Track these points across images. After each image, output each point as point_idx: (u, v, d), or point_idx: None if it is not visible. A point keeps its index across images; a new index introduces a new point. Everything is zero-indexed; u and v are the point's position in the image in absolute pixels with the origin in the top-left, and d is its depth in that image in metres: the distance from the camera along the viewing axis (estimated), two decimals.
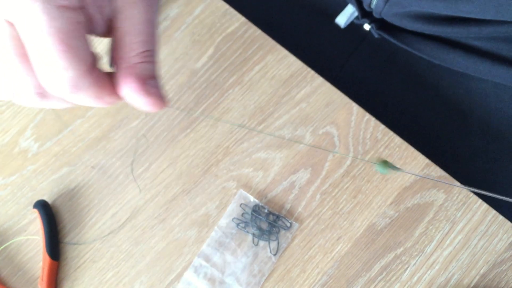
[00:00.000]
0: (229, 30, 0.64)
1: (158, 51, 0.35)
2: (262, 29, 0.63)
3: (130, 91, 0.32)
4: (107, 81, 0.32)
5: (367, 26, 0.66)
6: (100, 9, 0.32)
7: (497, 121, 0.66)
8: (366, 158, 0.57)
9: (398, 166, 0.57)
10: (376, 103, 0.63)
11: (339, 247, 0.56)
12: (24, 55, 0.29)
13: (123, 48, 0.32)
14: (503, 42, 0.59)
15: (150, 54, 0.33)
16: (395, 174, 0.57)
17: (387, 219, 0.56)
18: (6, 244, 0.57)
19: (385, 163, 0.35)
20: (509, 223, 0.55)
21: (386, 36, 0.65)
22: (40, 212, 0.57)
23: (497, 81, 0.64)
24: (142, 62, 0.33)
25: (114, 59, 0.33)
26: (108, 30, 0.33)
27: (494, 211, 0.56)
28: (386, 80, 0.71)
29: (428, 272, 0.55)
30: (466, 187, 0.33)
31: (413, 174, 0.56)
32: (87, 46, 0.30)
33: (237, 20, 0.63)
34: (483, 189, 0.57)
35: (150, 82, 0.33)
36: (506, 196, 0.64)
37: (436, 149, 0.61)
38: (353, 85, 0.67)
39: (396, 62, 0.70)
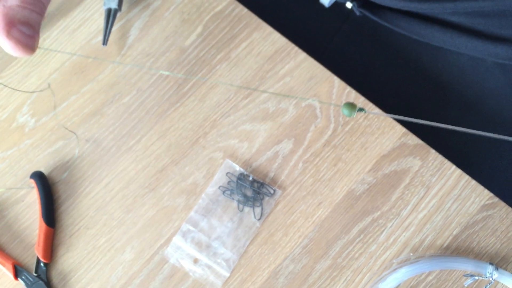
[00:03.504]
0: (217, 9, 0.66)
1: (46, 3, 0.35)
2: (248, 8, 0.66)
3: None
4: None
5: (349, 4, 0.68)
6: None
7: (474, 93, 0.69)
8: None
9: (376, 134, 0.60)
10: (359, 78, 0.65)
11: (319, 212, 0.59)
12: None
13: None
14: (478, 17, 0.61)
15: (34, 2, 0.33)
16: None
17: (366, 185, 0.59)
18: None
19: (351, 105, 0.37)
20: (481, 187, 0.58)
21: (367, 13, 0.68)
22: (36, 182, 0.60)
23: (473, 55, 0.66)
24: (21, 6, 0.33)
25: None
26: None
27: (467, 176, 0.58)
28: (368, 56, 0.73)
29: (404, 234, 0.57)
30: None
31: (377, 114, 0.57)
32: None
33: None
34: (458, 160, 0.59)
35: (21, 27, 0.33)
36: (483, 165, 0.66)
37: None
38: (338, 62, 0.69)
39: (377, 39, 0.73)
